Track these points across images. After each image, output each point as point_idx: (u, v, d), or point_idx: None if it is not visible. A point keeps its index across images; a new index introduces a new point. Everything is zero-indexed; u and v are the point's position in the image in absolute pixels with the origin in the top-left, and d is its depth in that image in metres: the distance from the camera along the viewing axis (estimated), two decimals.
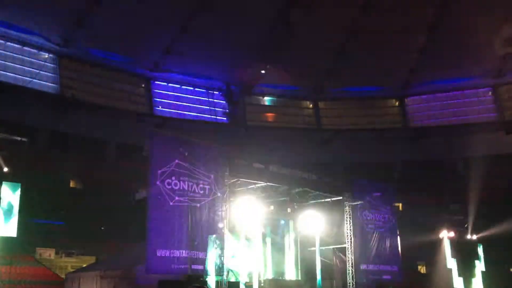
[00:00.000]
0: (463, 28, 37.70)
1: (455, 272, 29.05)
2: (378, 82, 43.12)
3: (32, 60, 35.90)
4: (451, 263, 29.37)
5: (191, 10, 36.13)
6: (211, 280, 19.37)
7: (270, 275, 26.57)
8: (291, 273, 27.60)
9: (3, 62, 34.47)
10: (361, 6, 37.36)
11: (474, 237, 31.48)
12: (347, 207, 25.06)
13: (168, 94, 41.25)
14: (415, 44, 40.06)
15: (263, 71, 40.76)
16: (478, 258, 30.34)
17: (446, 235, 30.34)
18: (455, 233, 30.59)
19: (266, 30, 37.94)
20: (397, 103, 45.20)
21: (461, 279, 29.19)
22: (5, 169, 25.50)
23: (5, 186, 20.11)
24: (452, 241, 30.17)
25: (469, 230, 31.54)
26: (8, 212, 19.58)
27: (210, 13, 36.17)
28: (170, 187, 18.61)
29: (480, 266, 30.09)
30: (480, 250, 30.56)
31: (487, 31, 37.38)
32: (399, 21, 37.86)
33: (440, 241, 30.52)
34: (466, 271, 29.50)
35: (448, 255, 29.54)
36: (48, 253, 26.15)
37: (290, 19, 37.49)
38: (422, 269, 34.16)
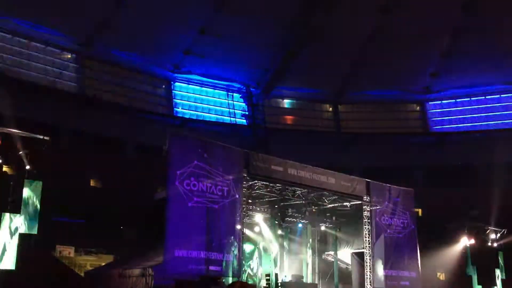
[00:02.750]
0: (487, 33, 37.24)
1: (474, 280, 28.66)
2: (399, 86, 42.79)
3: (55, 60, 36.39)
4: (471, 271, 28.99)
5: (212, 11, 36.27)
6: (228, 282, 19.37)
7: (287, 278, 26.56)
8: (308, 277, 27.55)
9: (26, 61, 34.99)
10: (382, 10, 37.09)
11: (495, 244, 31.02)
12: (366, 212, 24.90)
13: (188, 95, 41.45)
14: (437, 48, 39.65)
15: (283, 74, 40.73)
16: (498, 266, 29.90)
17: (466, 242, 29.95)
18: (475, 240, 30.18)
19: (286, 32, 37.90)
20: (418, 108, 44.83)
21: (480, 287, 28.80)
22: (27, 167, 25.91)
23: (28, 184, 20.35)
24: (472, 248, 29.77)
25: (490, 237, 31.08)
26: (30, 210, 19.82)
27: (230, 15, 36.27)
28: (189, 188, 18.66)
29: (500, 274, 29.64)
30: (500, 257, 30.10)
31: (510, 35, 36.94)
32: (421, 25, 37.53)
33: (460, 248, 30.15)
34: (486, 279, 29.08)
35: (468, 262, 29.16)
36: (68, 251, 26.42)
37: (310, 22, 37.40)
38: (441, 276, 33.72)
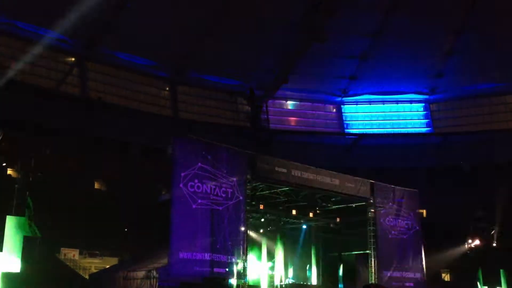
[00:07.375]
0: (491, 33, 37.17)
1: (480, 280, 28.57)
2: (403, 87, 42.78)
3: (58, 63, 36.43)
4: (476, 271, 28.90)
5: (215, 14, 36.24)
6: (233, 283, 19.37)
7: (291, 280, 26.54)
8: (313, 278, 27.52)
9: (29, 64, 34.98)
10: (386, 10, 37.05)
11: (500, 245, 30.93)
12: (370, 213, 24.86)
13: (192, 97, 41.45)
14: (441, 48, 39.60)
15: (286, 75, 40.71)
16: (503, 266, 29.79)
17: (471, 242, 29.88)
18: (480, 240, 30.11)
19: (290, 34, 37.87)
20: (422, 108, 44.75)
21: (486, 287, 28.72)
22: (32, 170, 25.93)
23: (32, 187, 20.41)
24: (477, 248, 29.70)
25: (495, 238, 31.00)
26: (34, 213, 19.90)
27: (233, 18, 36.25)
28: (193, 190, 18.67)
29: (505, 274, 29.53)
30: (506, 258, 30.00)
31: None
32: (424, 25, 37.48)
33: (465, 249, 30.09)
34: (491, 279, 28.98)
35: (473, 263, 29.08)
36: (72, 254, 26.43)
37: (313, 24, 37.35)
38: (446, 277, 33.63)
